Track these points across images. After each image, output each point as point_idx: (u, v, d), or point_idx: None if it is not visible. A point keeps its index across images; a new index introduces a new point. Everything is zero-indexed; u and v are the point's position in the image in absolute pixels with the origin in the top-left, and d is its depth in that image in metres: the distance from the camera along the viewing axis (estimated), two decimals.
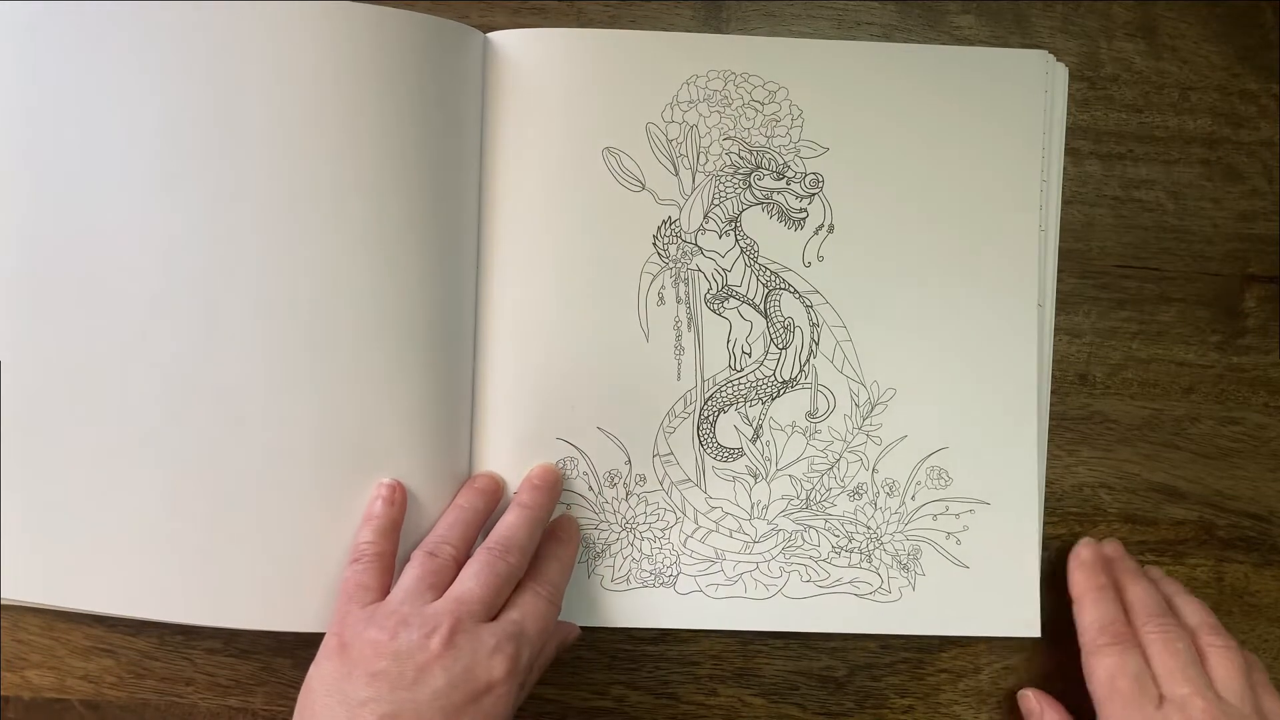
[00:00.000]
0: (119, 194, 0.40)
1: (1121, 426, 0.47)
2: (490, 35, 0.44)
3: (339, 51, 0.40)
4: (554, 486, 0.44)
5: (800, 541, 0.45)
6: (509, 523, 0.41)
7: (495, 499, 0.43)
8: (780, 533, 0.45)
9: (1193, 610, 0.43)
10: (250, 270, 0.41)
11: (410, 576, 0.38)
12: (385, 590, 0.39)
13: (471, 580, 0.38)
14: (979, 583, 0.45)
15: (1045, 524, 0.46)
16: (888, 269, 0.46)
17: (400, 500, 0.41)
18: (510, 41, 0.44)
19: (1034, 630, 0.45)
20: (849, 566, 0.45)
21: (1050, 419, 0.46)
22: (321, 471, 0.41)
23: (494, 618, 0.38)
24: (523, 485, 0.43)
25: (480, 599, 0.37)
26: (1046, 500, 0.46)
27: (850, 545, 0.45)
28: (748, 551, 0.45)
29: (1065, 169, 0.47)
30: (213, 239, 0.40)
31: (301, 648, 0.45)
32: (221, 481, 0.41)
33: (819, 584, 0.45)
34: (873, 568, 0.45)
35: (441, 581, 0.38)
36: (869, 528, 0.45)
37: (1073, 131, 0.47)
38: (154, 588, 0.41)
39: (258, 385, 0.41)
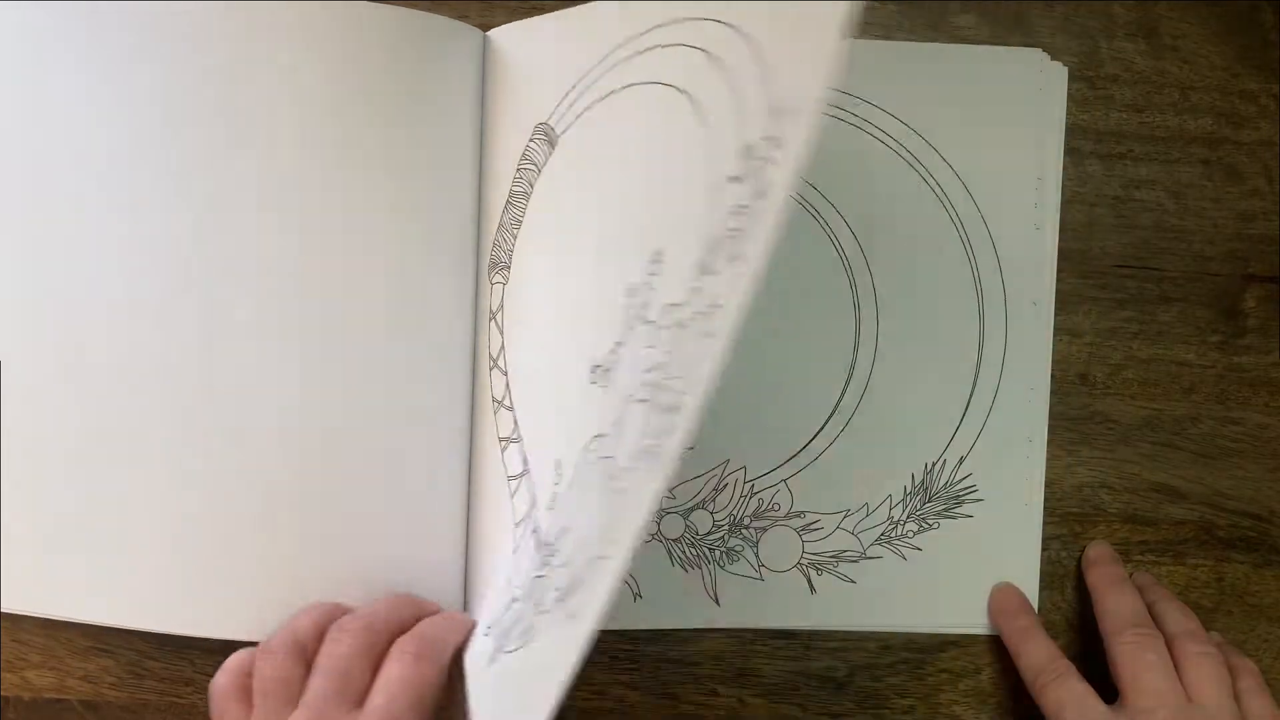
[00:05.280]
0: (121, 193, 0.40)
1: (1122, 426, 0.47)
2: (489, 33, 0.44)
3: (337, 50, 0.40)
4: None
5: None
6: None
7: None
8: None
9: (1175, 618, 0.42)
10: (250, 270, 0.40)
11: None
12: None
13: (317, 675, 0.35)
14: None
15: (1045, 524, 0.46)
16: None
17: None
18: (508, 37, 0.44)
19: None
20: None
21: (1050, 419, 0.46)
22: (326, 481, 0.41)
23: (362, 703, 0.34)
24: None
25: (328, 692, 0.34)
26: (1046, 500, 0.46)
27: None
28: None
29: (1065, 169, 0.47)
30: (212, 238, 0.40)
31: None
32: (224, 490, 0.40)
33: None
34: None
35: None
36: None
37: (1073, 131, 0.47)
38: (155, 600, 0.40)
39: (260, 391, 0.40)
